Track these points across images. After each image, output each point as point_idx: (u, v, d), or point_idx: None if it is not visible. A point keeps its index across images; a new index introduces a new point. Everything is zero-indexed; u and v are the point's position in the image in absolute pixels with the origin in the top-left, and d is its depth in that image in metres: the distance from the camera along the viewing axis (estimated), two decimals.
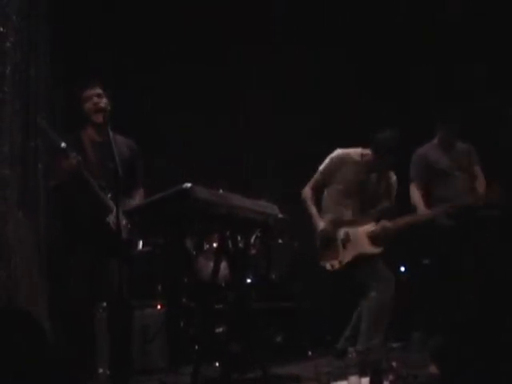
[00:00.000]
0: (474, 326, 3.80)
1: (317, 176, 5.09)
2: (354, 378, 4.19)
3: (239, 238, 4.71)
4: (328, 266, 4.94)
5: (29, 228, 5.01)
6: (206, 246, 5.77)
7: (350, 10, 7.17)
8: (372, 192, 5.00)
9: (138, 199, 4.41)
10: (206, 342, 4.41)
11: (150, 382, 5.03)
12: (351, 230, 4.91)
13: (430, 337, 4.89)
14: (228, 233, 4.39)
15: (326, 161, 5.05)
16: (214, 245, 5.66)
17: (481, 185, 5.52)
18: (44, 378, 3.48)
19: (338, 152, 5.04)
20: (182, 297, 5.86)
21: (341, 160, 5.01)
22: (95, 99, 4.33)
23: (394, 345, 5.18)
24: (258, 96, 7.35)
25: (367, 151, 4.98)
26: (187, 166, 6.95)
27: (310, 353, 5.69)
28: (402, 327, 5.61)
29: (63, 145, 4.10)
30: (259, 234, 5.89)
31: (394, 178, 5.12)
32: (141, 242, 5.48)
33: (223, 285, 5.44)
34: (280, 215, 4.71)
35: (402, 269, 5.37)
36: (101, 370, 4.94)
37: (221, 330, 5.14)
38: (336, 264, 4.90)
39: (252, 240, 5.78)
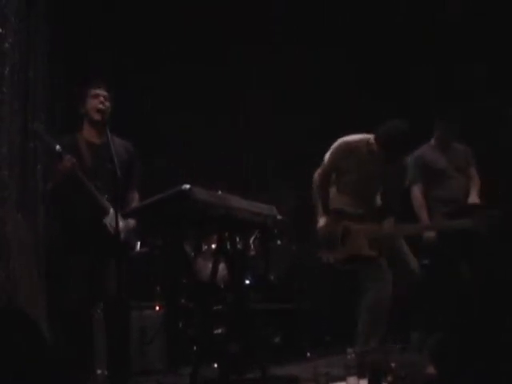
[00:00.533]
0: (473, 326, 3.80)
1: (324, 165, 4.86)
2: (352, 379, 4.18)
3: (238, 239, 4.73)
4: (324, 259, 4.84)
5: (28, 229, 5.01)
6: (205, 247, 5.77)
7: (350, 10, 7.17)
8: (376, 185, 4.85)
9: (133, 203, 4.41)
10: (205, 343, 4.42)
11: (148, 383, 5.03)
12: (353, 227, 4.73)
13: (428, 337, 4.88)
14: (227, 234, 4.39)
15: (332, 150, 4.82)
16: (213, 246, 5.66)
17: (476, 186, 5.54)
18: (43, 378, 3.48)
19: (347, 140, 4.80)
20: (180, 298, 5.86)
21: (350, 148, 4.75)
22: (101, 99, 4.34)
23: (393, 346, 5.17)
24: (257, 96, 7.35)
25: (373, 140, 4.71)
26: (186, 166, 6.97)
27: (308, 353, 5.69)
28: (401, 328, 5.60)
29: (58, 148, 4.11)
30: (258, 235, 5.89)
31: (404, 167, 4.95)
32: (139, 244, 5.50)
33: (222, 286, 5.44)
34: (279, 216, 4.71)
35: None
36: (99, 371, 4.95)
37: (219, 330, 5.15)
38: (331, 259, 4.79)
39: (251, 241, 5.79)
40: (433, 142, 5.66)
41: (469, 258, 5.36)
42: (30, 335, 3.50)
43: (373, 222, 4.74)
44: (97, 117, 4.33)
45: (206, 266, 5.40)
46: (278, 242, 6.13)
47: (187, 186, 3.75)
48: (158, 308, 5.63)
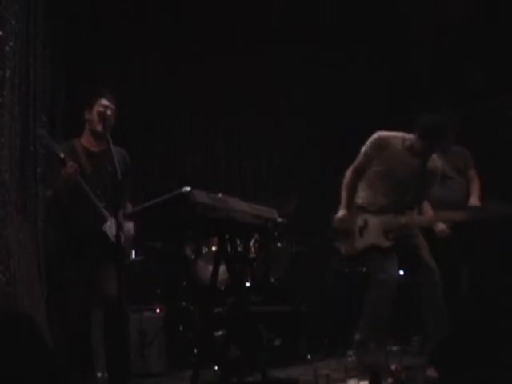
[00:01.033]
0: (473, 329, 3.80)
1: (360, 159, 4.83)
2: (352, 382, 4.19)
3: (238, 242, 4.73)
4: (343, 250, 4.88)
5: (28, 232, 5.00)
6: (205, 250, 5.77)
7: (350, 10, 7.19)
8: (411, 180, 4.74)
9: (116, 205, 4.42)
10: (205, 346, 4.42)
11: None
12: (371, 219, 4.76)
13: (429, 340, 4.88)
14: (227, 236, 4.40)
15: (368, 143, 4.79)
16: (213, 248, 5.67)
17: (476, 188, 5.54)
18: (44, 382, 3.48)
19: (384, 134, 4.78)
20: (180, 300, 5.86)
21: (385, 143, 4.73)
22: (109, 112, 4.36)
23: (394, 348, 5.18)
24: (258, 96, 7.36)
25: (409, 136, 4.72)
26: (186, 168, 6.97)
27: (308, 356, 5.69)
28: (402, 330, 5.61)
29: (62, 155, 4.14)
30: (258, 238, 5.89)
31: (435, 171, 4.91)
32: (134, 252, 5.53)
33: (222, 288, 5.44)
34: (279, 219, 4.72)
35: (402, 272, 5.35)
36: (99, 374, 4.94)
37: (220, 333, 5.14)
38: (349, 249, 4.82)
39: (251, 244, 5.79)
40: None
41: (469, 262, 5.38)
42: (31, 338, 3.50)
43: (391, 214, 4.74)
44: (99, 128, 4.37)
45: (206, 269, 5.41)
46: (279, 245, 6.13)
47: (187, 189, 3.76)
48: (158, 310, 5.63)
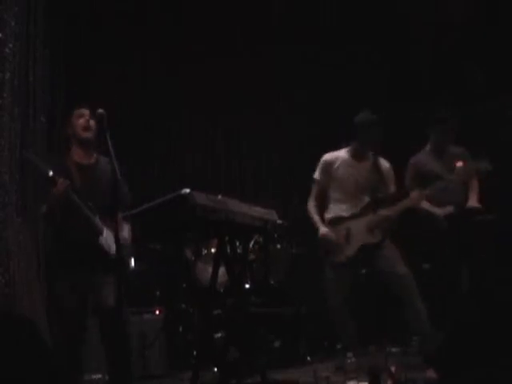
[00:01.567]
0: (473, 329, 3.80)
1: (313, 186, 5.22)
2: (352, 383, 4.19)
3: (238, 244, 4.73)
4: (337, 260, 5.01)
5: (28, 234, 5.01)
6: (205, 252, 5.77)
7: (350, 10, 7.18)
8: (366, 181, 5.09)
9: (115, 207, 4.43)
10: (205, 348, 4.42)
11: None
12: (351, 225, 5.00)
13: (429, 341, 4.88)
14: (226, 238, 4.40)
15: (317, 168, 5.20)
16: (213, 250, 5.66)
17: (474, 189, 5.53)
18: (43, 383, 3.48)
19: (325, 156, 5.21)
20: (180, 302, 5.86)
21: (329, 162, 5.16)
22: (86, 117, 4.38)
23: (393, 349, 5.18)
24: (258, 97, 7.36)
25: (351, 146, 5.15)
26: (184, 169, 6.96)
27: (308, 358, 5.68)
28: (401, 332, 5.60)
29: (51, 173, 4.12)
30: (258, 240, 5.89)
31: (386, 164, 5.19)
32: (133, 260, 5.54)
33: (222, 290, 5.44)
34: (278, 221, 4.72)
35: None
36: (99, 376, 4.95)
37: (219, 335, 5.14)
38: (343, 258, 4.98)
39: (250, 245, 5.79)
40: (428, 146, 5.65)
41: (469, 263, 5.37)
42: (31, 339, 3.49)
43: (371, 214, 5.01)
44: (84, 135, 4.36)
45: (205, 271, 5.39)
46: (278, 246, 6.13)
47: (187, 191, 3.76)
48: (157, 312, 5.62)
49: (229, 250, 4.41)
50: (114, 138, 4.04)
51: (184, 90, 7.02)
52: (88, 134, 4.35)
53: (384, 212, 4.98)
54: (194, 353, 5.29)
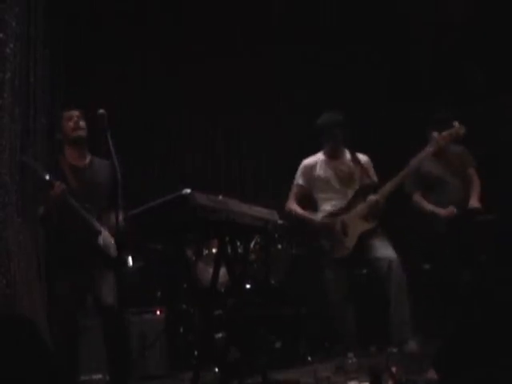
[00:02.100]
0: (473, 330, 3.80)
1: (293, 190, 5.44)
2: (353, 383, 4.19)
3: (238, 244, 4.72)
4: (339, 255, 5.11)
5: (28, 234, 5.01)
6: (206, 252, 5.76)
7: (350, 10, 7.17)
8: (348, 176, 5.28)
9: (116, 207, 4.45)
10: (206, 348, 4.41)
11: None
12: (345, 217, 5.15)
13: (429, 342, 4.88)
14: (227, 238, 4.39)
15: (298, 173, 5.44)
16: (214, 250, 5.66)
17: (476, 189, 5.53)
18: (44, 383, 3.48)
19: (304, 161, 5.46)
20: (181, 302, 5.85)
21: (310, 166, 5.40)
22: (75, 118, 4.44)
23: (394, 350, 5.17)
24: (258, 97, 7.35)
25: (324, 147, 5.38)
26: (184, 169, 6.96)
27: (309, 358, 5.68)
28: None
29: (48, 177, 4.18)
30: (258, 240, 5.88)
31: (364, 158, 5.37)
32: (130, 259, 5.57)
33: (222, 290, 5.43)
34: (279, 221, 4.72)
35: None
36: (100, 376, 4.95)
37: (220, 335, 5.13)
38: (342, 252, 5.11)
39: (251, 245, 5.78)
40: (428, 148, 5.64)
41: (469, 263, 5.37)
42: (31, 340, 3.49)
43: (361, 203, 5.17)
44: (75, 134, 4.43)
45: (206, 271, 5.39)
46: (279, 247, 6.12)
47: (188, 191, 3.76)
48: (158, 313, 5.62)
49: (229, 251, 4.41)
50: (114, 138, 4.05)
51: (184, 90, 7.02)
52: (78, 133, 4.43)
53: (372, 197, 5.10)
54: (195, 353, 5.29)
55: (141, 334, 5.38)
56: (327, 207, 5.27)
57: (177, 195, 3.82)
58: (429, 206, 5.47)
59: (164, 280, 6.01)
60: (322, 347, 5.77)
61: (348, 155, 5.36)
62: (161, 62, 7.07)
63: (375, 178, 5.29)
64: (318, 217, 5.25)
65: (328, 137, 5.30)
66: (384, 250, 5.03)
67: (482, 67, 6.70)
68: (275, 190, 7.24)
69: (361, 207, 5.14)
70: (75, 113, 4.47)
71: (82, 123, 4.45)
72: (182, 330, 5.73)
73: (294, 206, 5.39)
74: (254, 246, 5.83)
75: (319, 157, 5.42)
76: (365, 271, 5.74)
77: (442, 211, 5.40)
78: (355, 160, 5.29)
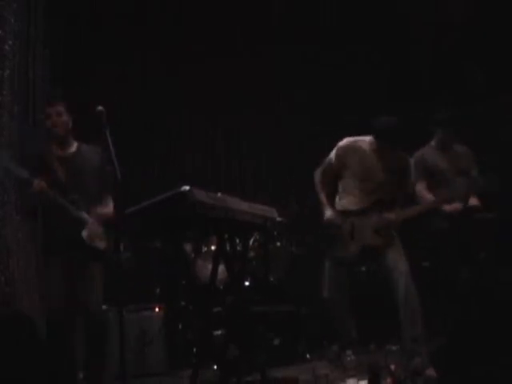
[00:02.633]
0: (472, 328, 3.80)
1: (325, 163, 5.03)
2: (351, 381, 4.18)
3: (237, 241, 4.72)
4: (340, 254, 4.92)
5: (27, 232, 5.01)
6: (204, 249, 5.77)
7: (350, 10, 7.19)
8: (381, 180, 4.88)
9: (106, 207, 4.51)
10: (204, 345, 4.41)
11: None
12: (357, 221, 4.86)
13: (428, 340, 4.88)
14: (226, 236, 4.39)
15: (334, 149, 4.97)
16: (213, 247, 5.67)
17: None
18: (42, 381, 3.48)
19: (346, 140, 4.96)
20: (180, 299, 5.85)
21: (348, 148, 4.92)
22: (53, 117, 4.44)
23: (393, 348, 5.17)
24: (258, 97, 7.36)
25: (371, 138, 4.88)
26: (184, 169, 6.96)
27: (308, 356, 5.68)
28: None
29: (26, 175, 4.22)
30: (257, 237, 5.89)
31: (407, 159, 5.01)
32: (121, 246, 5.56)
33: (221, 288, 5.44)
34: (278, 218, 4.72)
35: None
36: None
37: (219, 333, 5.13)
38: (344, 253, 4.88)
39: (250, 243, 5.78)
40: (433, 143, 5.66)
41: (469, 261, 5.37)
42: (30, 338, 3.50)
43: (376, 214, 4.85)
44: (54, 132, 4.45)
45: (205, 268, 5.39)
46: (278, 244, 6.12)
47: (187, 188, 3.75)
48: (157, 310, 5.62)
49: (228, 248, 4.41)
50: (114, 138, 4.05)
51: (184, 89, 7.03)
52: (58, 131, 4.44)
53: (389, 215, 4.85)
54: (194, 350, 5.30)
55: (140, 331, 5.38)
56: (344, 201, 4.97)
57: (176, 192, 3.82)
58: (433, 198, 5.42)
59: (163, 277, 6.01)
60: (321, 345, 5.77)
61: (391, 155, 4.86)
62: (161, 61, 7.08)
63: (411, 188, 5.09)
64: (329, 212, 4.93)
65: (391, 138, 4.79)
66: (397, 262, 4.79)
67: (482, 67, 6.71)
68: (275, 190, 7.26)
69: (375, 219, 4.85)
70: (54, 109, 4.45)
71: (61, 120, 4.44)
72: (180, 327, 5.74)
73: (319, 180, 5.05)
74: (253, 243, 5.84)
75: (364, 145, 4.92)
76: (364, 268, 5.73)
77: (447, 206, 5.39)
78: (395, 162, 4.88)
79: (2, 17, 4.71)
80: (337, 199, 5.03)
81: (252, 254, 5.86)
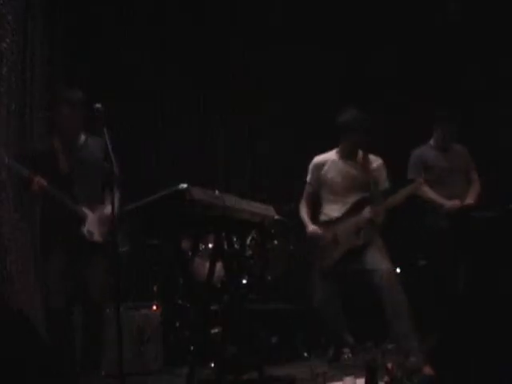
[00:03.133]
0: (469, 326, 3.80)
1: (305, 188, 5.38)
2: (349, 379, 4.19)
3: (235, 239, 4.72)
4: (324, 265, 5.09)
5: (25, 230, 5.01)
6: (202, 247, 5.76)
7: (350, 10, 7.17)
8: (355, 181, 5.12)
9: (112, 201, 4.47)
10: (202, 343, 4.42)
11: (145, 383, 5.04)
12: (338, 228, 5.07)
13: (425, 338, 4.89)
14: (224, 234, 4.40)
15: (308, 171, 5.34)
16: (210, 246, 5.65)
17: (475, 190, 5.56)
18: (40, 380, 3.48)
19: (315, 159, 5.34)
20: (177, 297, 5.85)
21: (319, 164, 5.27)
22: (65, 109, 4.49)
23: (390, 346, 5.18)
24: (257, 97, 7.35)
25: (340, 146, 5.22)
26: (184, 168, 6.95)
27: (305, 354, 5.69)
28: None
29: (26, 173, 4.28)
30: (255, 235, 5.88)
31: (378, 161, 5.19)
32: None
33: (219, 286, 5.43)
34: (276, 216, 4.72)
35: (397, 270, 5.37)
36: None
37: (216, 331, 5.13)
38: (330, 262, 5.06)
39: (248, 241, 5.78)
40: (432, 142, 5.67)
41: (466, 260, 5.38)
42: (27, 337, 3.49)
43: (355, 216, 5.06)
44: (63, 124, 4.52)
45: (203, 266, 5.38)
46: (275, 242, 6.13)
47: (184, 186, 3.76)
48: (154, 308, 5.61)
49: (226, 246, 4.42)
50: (113, 138, 4.06)
51: (184, 89, 7.02)
52: (67, 122, 4.49)
53: (364, 213, 5.02)
54: (191, 348, 5.29)
55: (137, 329, 5.37)
56: (328, 210, 5.22)
57: (173, 190, 3.83)
58: (432, 194, 5.45)
59: (160, 275, 6.01)
60: (319, 343, 5.78)
61: (360, 158, 5.14)
62: (161, 61, 7.06)
63: (386, 185, 5.13)
64: (311, 227, 5.19)
65: (349, 135, 5.10)
66: (376, 262, 4.92)
67: (482, 65, 6.70)
68: (275, 189, 7.25)
69: (356, 220, 5.05)
70: (66, 100, 4.48)
71: (72, 111, 4.46)
72: (178, 325, 5.73)
73: (300, 206, 5.36)
74: (250, 241, 5.83)
75: (331, 156, 5.29)
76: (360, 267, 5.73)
77: (447, 202, 5.41)
78: (366, 163, 5.08)
79: (1, 14, 4.70)
80: (321, 211, 5.29)
81: (249, 252, 5.85)
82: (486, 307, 3.88)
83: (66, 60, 5.89)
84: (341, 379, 4.23)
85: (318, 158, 5.32)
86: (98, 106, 4.22)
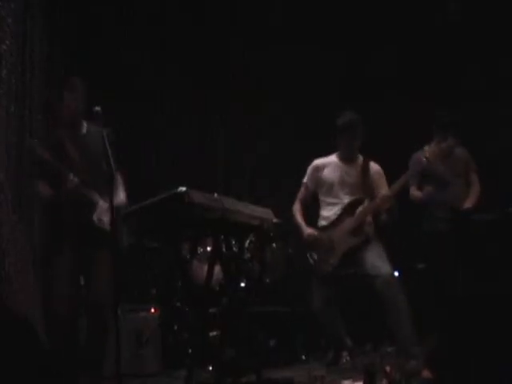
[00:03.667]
0: (468, 329, 3.80)
1: (301, 189, 5.38)
2: (347, 382, 4.19)
3: (233, 242, 4.72)
4: (323, 271, 5.05)
5: (24, 231, 5.01)
6: (200, 250, 5.75)
7: (350, 10, 7.17)
8: (353, 184, 5.15)
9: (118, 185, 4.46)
10: (200, 346, 4.42)
11: None
12: (333, 233, 5.08)
13: (425, 339, 4.89)
14: (222, 237, 4.39)
15: (307, 172, 5.35)
16: (208, 248, 5.65)
17: (474, 193, 5.56)
18: (38, 380, 3.48)
19: (315, 161, 5.34)
20: (175, 300, 5.85)
21: (319, 166, 5.29)
22: (68, 97, 4.44)
23: (388, 349, 5.18)
24: (257, 97, 7.34)
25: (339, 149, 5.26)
26: (184, 169, 6.95)
27: (303, 357, 5.69)
28: None
29: (63, 169, 4.22)
30: (253, 238, 5.88)
31: (376, 167, 5.23)
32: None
33: (217, 289, 5.43)
34: (274, 219, 4.72)
35: (396, 273, 5.36)
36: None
37: (214, 333, 5.13)
38: (328, 268, 5.03)
39: (246, 244, 5.78)
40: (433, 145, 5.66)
41: (465, 262, 5.37)
42: (26, 338, 3.49)
43: (350, 217, 5.08)
44: (66, 113, 4.46)
45: (201, 269, 5.38)
46: (274, 245, 6.12)
47: (183, 189, 3.76)
48: (153, 310, 5.62)
49: (224, 249, 4.41)
50: (113, 138, 4.06)
51: (184, 90, 7.01)
52: (70, 111, 4.44)
53: (360, 211, 5.05)
54: (189, 351, 5.29)
55: (136, 331, 5.37)
56: (326, 213, 5.21)
57: (172, 193, 3.83)
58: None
59: (159, 278, 6.01)
60: (317, 346, 5.78)
61: (360, 163, 5.20)
62: (161, 61, 7.06)
63: (384, 191, 5.10)
64: (307, 231, 5.19)
65: (347, 138, 5.15)
66: (377, 267, 4.88)
67: (482, 66, 6.70)
68: (275, 189, 7.25)
69: (348, 221, 5.05)
70: (73, 103, 4.45)
71: (74, 100, 4.43)
72: (176, 327, 5.73)
73: (295, 208, 5.34)
74: (249, 244, 5.83)
75: (331, 159, 5.30)
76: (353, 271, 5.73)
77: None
78: (365, 169, 5.14)
79: (0, 17, 4.70)
80: (320, 212, 5.29)
81: (248, 255, 5.85)
82: (485, 309, 3.88)
83: (65, 60, 5.89)
84: (339, 383, 4.23)
85: (319, 161, 5.34)
86: (98, 108, 4.22)
